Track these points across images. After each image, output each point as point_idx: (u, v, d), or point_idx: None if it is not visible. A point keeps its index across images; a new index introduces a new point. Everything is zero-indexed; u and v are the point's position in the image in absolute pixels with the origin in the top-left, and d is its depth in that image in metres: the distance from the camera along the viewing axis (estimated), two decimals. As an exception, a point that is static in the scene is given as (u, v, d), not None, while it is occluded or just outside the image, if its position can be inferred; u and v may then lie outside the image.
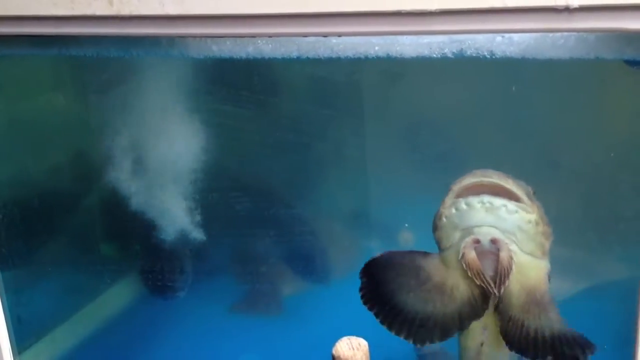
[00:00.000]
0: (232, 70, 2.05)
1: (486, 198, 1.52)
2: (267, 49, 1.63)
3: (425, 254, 1.69)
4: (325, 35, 1.51)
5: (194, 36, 1.60)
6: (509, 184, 1.53)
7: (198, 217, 2.41)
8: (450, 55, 1.53)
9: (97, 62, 2.14)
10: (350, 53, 1.59)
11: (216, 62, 1.74)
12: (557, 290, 1.80)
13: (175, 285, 2.47)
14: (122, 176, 2.36)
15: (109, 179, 2.38)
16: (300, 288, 2.58)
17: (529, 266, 1.57)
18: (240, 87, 2.09)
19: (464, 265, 1.55)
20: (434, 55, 1.55)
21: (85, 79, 2.36)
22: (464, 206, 1.55)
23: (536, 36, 1.47)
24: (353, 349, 1.19)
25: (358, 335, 1.23)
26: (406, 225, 1.98)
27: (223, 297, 2.57)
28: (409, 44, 1.55)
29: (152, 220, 2.39)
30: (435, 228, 1.65)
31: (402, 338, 1.64)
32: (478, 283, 1.55)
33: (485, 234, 1.53)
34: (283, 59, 1.63)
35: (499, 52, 1.49)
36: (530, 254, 1.56)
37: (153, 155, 2.32)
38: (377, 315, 1.67)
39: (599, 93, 1.73)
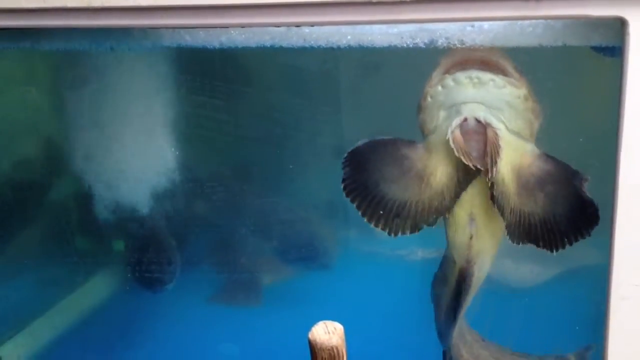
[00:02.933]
0: (205, 60, 2.05)
1: (474, 73, 1.48)
2: (240, 39, 1.63)
3: (410, 141, 1.65)
4: (297, 25, 1.52)
5: (166, 27, 1.60)
6: (497, 57, 1.49)
7: (176, 209, 2.41)
8: (421, 44, 1.54)
9: (69, 55, 2.13)
10: (322, 42, 1.59)
11: (189, 52, 1.74)
12: (529, 275, 1.83)
13: (164, 278, 2.46)
14: (97, 168, 2.35)
15: (86, 171, 2.36)
16: (279, 278, 2.59)
17: (516, 147, 1.53)
18: (214, 77, 2.09)
19: (451, 142, 1.49)
20: (406, 45, 1.55)
21: (58, 71, 2.34)
22: (450, 82, 1.51)
23: (505, 24, 1.48)
24: (329, 333, 1.20)
25: (336, 321, 1.24)
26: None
27: (202, 288, 2.57)
28: (381, 34, 1.56)
29: (128, 212, 2.38)
30: (419, 110, 1.60)
31: (379, 229, 1.62)
32: (465, 162, 1.49)
33: (472, 110, 1.50)
34: (256, 48, 1.63)
35: (469, 41, 1.50)
36: (518, 132, 1.53)
37: (127, 147, 2.31)
38: (358, 207, 1.65)
39: (566, 79, 1.75)
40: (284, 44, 1.61)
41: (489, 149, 1.48)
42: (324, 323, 1.22)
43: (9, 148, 2.36)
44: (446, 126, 1.54)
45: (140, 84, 2.20)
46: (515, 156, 1.54)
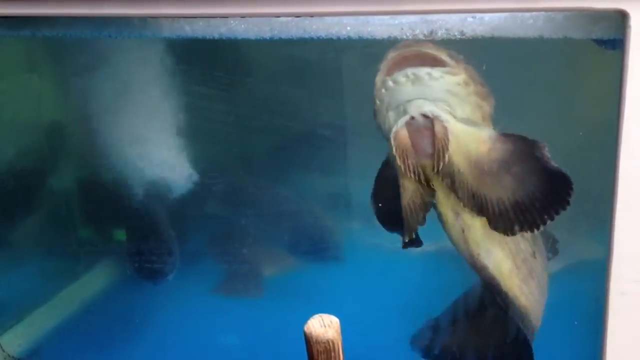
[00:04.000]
0: (204, 51, 2.05)
1: (410, 70, 1.51)
2: (239, 30, 1.63)
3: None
4: (297, 15, 1.51)
5: (166, 16, 1.60)
6: (430, 49, 1.52)
7: (176, 200, 2.41)
8: (421, 36, 1.53)
9: (70, 43, 2.13)
10: (322, 33, 1.59)
11: (189, 42, 1.74)
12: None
13: (164, 269, 2.47)
14: (99, 159, 2.35)
15: (86, 161, 2.37)
16: (281, 270, 2.59)
17: (470, 135, 1.55)
18: (213, 68, 2.09)
19: (393, 142, 1.54)
20: (406, 36, 1.55)
21: (59, 60, 2.34)
22: (391, 84, 1.54)
23: (506, 16, 1.48)
24: (325, 326, 1.20)
25: (337, 315, 1.24)
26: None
27: (203, 280, 2.57)
28: (381, 25, 1.56)
29: (129, 203, 2.39)
30: (374, 115, 1.65)
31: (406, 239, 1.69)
32: (399, 164, 1.54)
33: (417, 107, 1.52)
34: (256, 39, 1.63)
35: (469, 32, 1.50)
36: (468, 119, 1.54)
37: (127, 137, 2.31)
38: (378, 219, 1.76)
39: (567, 72, 1.74)
40: (284, 34, 1.61)
41: (436, 143, 1.51)
42: (320, 316, 1.22)
43: (10, 136, 2.36)
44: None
45: (140, 74, 2.20)
46: (471, 144, 1.55)
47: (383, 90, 1.57)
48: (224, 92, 2.12)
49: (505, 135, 1.57)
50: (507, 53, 1.64)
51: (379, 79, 1.59)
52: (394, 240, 1.87)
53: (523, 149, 1.54)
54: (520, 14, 1.46)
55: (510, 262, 1.69)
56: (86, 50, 2.18)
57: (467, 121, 1.54)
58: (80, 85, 2.27)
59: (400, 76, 1.53)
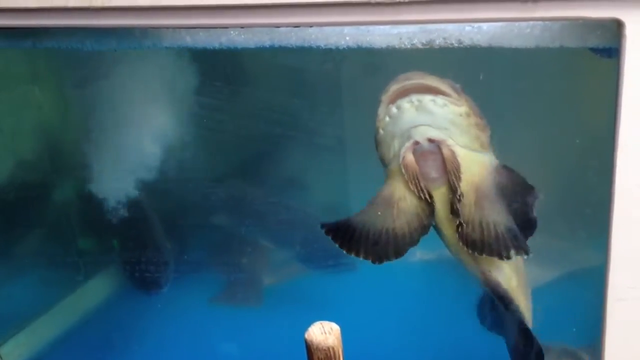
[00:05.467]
0: (205, 60, 2.06)
1: (414, 97, 1.53)
2: (239, 40, 1.64)
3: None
4: (297, 25, 1.52)
5: (167, 27, 1.61)
6: (433, 81, 1.54)
7: (175, 210, 2.41)
8: (419, 45, 1.55)
9: (71, 55, 2.14)
10: (321, 43, 1.60)
11: (190, 53, 1.75)
12: (529, 275, 1.83)
13: (159, 280, 2.47)
14: (99, 169, 2.36)
15: (86, 172, 2.37)
16: (280, 278, 2.59)
17: (470, 160, 1.57)
18: (214, 78, 2.10)
19: (402, 168, 1.56)
20: (404, 46, 1.56)
21: (60, 71, 2.35)
22: (395, 110, 1.56)
23: (503, 25, 1.49)
24: (325, 333, 1.20)
25: (338, 322, 1.24)
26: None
27: (203, 289, 2.57)
28: (379, 34, 1.57)
29: (129, 213, 2.39)
30: (376, 145, 1.67)
31: (361, 258, 1.66)
32: (412, 188, 1.57)
33: (422, 133, 1.54)
34: (256, 48, 1.64)
35: (467, 41, 1.51)
36: (467, 147, 1.57)
37: (129, 146, 2.31)
38: (335, 240, 1.68)
39: (563, 80, 1.75)
40: (283, 44, 1.62)
41: (449, 167, 1.54)
42: (321, 323, 1.22)
43: (10, 147, 2.37)
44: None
45: (141, 85, 2.21)
46: (474, 167, 1.58)
47: (387, 119, 1.59)
48: (223, 101, 2.13)
49: (507, 169, 1.60)
50: (504, 62, 1.66)
51: (381, 110, 1.61)
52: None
53: (519, 189, 1.58)
54: (517, 24, 1.47)
55: (516, 277, 1.71)
56: (87, 61, 2.19)
57: (468, 147, 1.57)
58: (80, 97, 2.28)
59: (404, 102, 1.54)
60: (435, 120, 1.53)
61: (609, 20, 1.29)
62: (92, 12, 1.49)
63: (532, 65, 1.61)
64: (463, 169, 1.55)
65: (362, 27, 1.57)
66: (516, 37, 1.48)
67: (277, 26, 1.54)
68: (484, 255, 1.56)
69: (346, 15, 1.40)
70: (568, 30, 1.45)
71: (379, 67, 1.64)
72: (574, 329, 1.72)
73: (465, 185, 1.57)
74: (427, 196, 1.58)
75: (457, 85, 1.58)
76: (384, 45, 1.58)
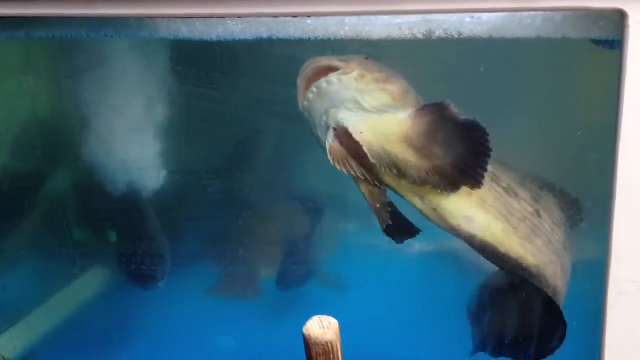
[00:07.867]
0: (202, 51, 2.04)
1: (313, 86, 1.62)
2: (237, 30, 1.63)
3: None
4: (295, 15, 1.51)
5: (163, 17, 1.60)
6: (322, 61, 1.62)
7: (172, 202, 2.40)
8: (419, 35, 1.54)
9: (65, 44, 2.12)
10: (320, 33, 1.60)
11: (186, 43, 1.74)
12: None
13: (156, 274, 2.45)
14: (95, 161, 2.34)
15: (81, 163, 2.35)
16: (277, 270, 2.58)
17: (386, 122, 1.62)
18: (211, 69, 2.08)
19: (328, 155, 1.64)
20: (404, 36, 1.56)
21: (54, 60, 2.33)
22: (305, 104, 1.68)
23: (504, 15, 1.48)
24: (323, 327, 1.19)
25: (333, 316, 1.23)
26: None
27: (200, 281, 2.56)
28: (379, 25, 1.57)
29: (124, 204, 2.37)
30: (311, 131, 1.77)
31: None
32: (345, 172, 1.64)
33: (333, 117, 1.64)
34: (253, 39, 1.64)
35: (467, 32, 1.50)
36: (379, 105, 1.61)
37: (124, 137, 2.30)
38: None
39: (565, 72, 1.74)
40: (281, 35, 1.62)
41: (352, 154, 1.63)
42: (319, 318, 1.22)
43: (4, 138, 2.35)
44: None
45: (136, 75, 2.19)
46: (393, 128, 1.62)
47: (306, 114, 1.71)
48: (220, 92, 2.12)
49: (420, 109, 1.61)
50: (505, 53, 1.65)
51: (299, 101, 1.71)
52: (391, 240, 1.88)
53: (436, 115, 1.58)
54: (518, 14, 1.47)
55: (502, 223, 1.70)
56: (82, 51, 2.17)
57: (379, 109, 1.61)
58: (75, 87, 2.26)
59: (309, 94, 1.64)
60: (336, 97, 1.61)
61: (611, 10, 1.28)
62: (87, 2, 1.48)
63: (534, 57, 1.60)
64: (382, 134, 1.60)
65: (361, 17, 1.56)
66: (517, 28, 1.48)
67: (275, 16, 1.54)
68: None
69: (345, 5, 1.39)
70: (570, 21, 1.44)
71: (379, 58, 1.63)
72: (575, 323, 1.72)
73: (395, 148, 1.60)
74: (362, 174, 1.65)
75: (356, 57, 1.64)
76: (383, 36, 1.58)
